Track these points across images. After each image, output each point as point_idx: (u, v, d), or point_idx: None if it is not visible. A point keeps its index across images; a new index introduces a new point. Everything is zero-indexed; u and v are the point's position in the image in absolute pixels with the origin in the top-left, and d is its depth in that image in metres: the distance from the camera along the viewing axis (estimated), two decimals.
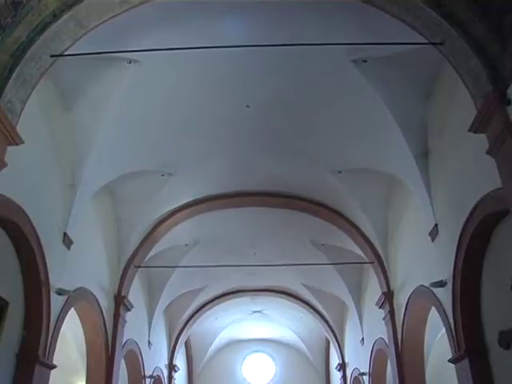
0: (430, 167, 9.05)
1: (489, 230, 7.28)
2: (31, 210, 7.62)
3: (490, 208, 6.82)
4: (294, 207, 13.07)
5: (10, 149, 6.35)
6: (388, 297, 12.20)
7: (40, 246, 8.03)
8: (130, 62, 8.07)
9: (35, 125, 7.72)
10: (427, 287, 9.35)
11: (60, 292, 8.82)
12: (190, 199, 12.62)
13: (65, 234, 9.17)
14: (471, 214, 7.30)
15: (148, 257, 13.30)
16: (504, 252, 7.03)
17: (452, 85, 7.52)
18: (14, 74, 6.01)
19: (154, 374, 16.15)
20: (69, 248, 9.35)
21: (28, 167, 7.61)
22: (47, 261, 8.29)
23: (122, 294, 12.52)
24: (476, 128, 6.22)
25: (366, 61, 8.15)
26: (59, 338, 9.10)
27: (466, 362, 8.01)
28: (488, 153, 6.03)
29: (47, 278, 8.32)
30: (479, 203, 7.00)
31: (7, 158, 6.25)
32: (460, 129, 7.20)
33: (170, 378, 19.18)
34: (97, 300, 11.03)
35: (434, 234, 9.07)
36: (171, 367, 19.27)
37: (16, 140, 6.36)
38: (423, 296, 10.00)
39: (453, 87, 7.50)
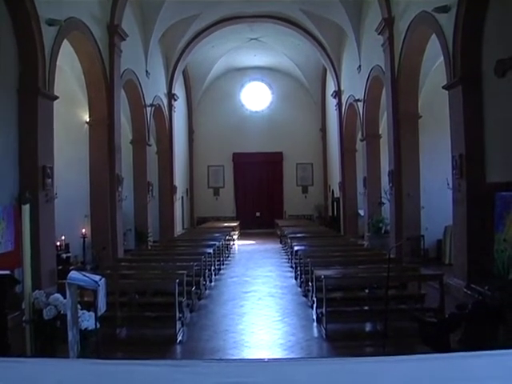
0: None
1: None
2: None
3: None
4: None
5: None
6: (388, 23, 11.88)
7: None
8: None
9: None
10: (430, 13, 9.07)
11: (50, 22, 8.58)
12: None
13: None
14: None
15: None
16: None
17: None
18: None
19: (155, 103, 16.58)
20: None
21: None
22: None
23: (115, 22, 12.13)
24: None
25: None
26: (58, 74, 9.13)
27: (459, 89, 8.21)
28: None
29: (34, 9, 8.01)
30: None
31: None
32: None
33: (170, 106, 19.69)
34: (89, 30, 10.75)
35: None
36: (170, 96, 19.63)
37: None
38: (424, 22, 9.75)
39: None
